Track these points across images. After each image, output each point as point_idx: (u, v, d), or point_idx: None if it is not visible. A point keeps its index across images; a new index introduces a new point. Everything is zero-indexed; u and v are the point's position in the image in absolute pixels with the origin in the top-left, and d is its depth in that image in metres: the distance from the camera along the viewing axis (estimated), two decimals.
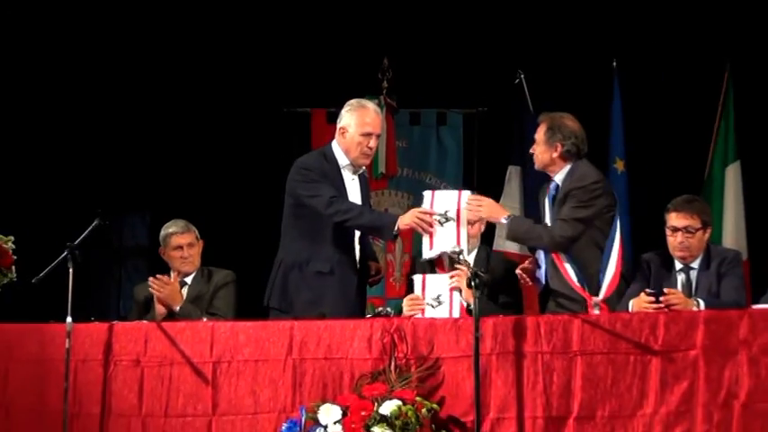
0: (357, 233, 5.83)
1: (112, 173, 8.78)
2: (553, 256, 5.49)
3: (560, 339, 4.81)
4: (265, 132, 8.76)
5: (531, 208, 7.45)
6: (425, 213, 5.49)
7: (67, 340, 5.23)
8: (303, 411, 4.90)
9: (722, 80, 8.26)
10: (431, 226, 5.48)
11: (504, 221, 5.55)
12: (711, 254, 5.59)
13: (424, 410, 4.75)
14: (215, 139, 8.79)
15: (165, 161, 8.82)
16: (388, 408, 4.72)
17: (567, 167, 5.61)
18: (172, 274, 6.35)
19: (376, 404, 4.75)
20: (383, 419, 4.70)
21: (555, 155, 5.62)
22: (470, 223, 5.55)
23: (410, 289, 5.73)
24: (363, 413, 4.74)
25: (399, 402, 4.73)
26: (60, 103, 8.62)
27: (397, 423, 4.68)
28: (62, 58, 8.54)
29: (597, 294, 5.32)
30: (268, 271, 5.87)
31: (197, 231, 6.45)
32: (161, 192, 8.79)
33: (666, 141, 8.25)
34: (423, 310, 5.36)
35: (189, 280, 6.39)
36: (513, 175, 8.51)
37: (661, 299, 5.11)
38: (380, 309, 5.61)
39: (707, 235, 5.58)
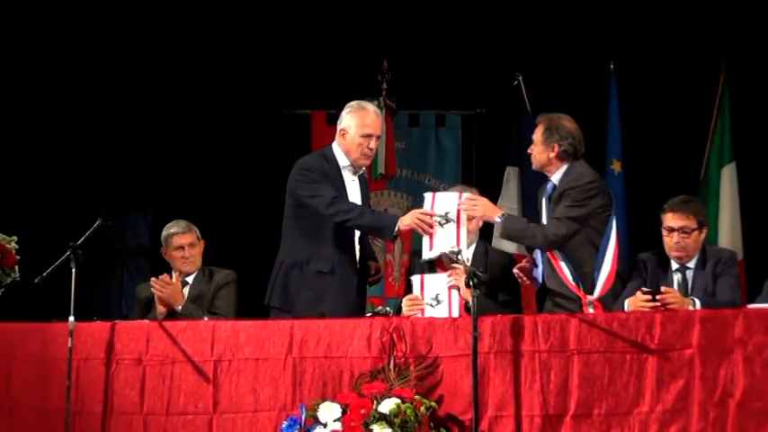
0: (357, 233, 5.83)
1: (115, 174, 8.79)
2: (549, 255, 5.50)
3: (557, 338, 4.81)
4: (266, 134, 8.76)
5: (529, 208, 7.45)
6: (426, 214, 5.50)
7: (70, 339, 5.23)
8: (303, 409, 4.90)
9: (718, 82, 8.26)
10: (431, 227, 5.50)
11: (498, 220, 5.55)
12: (707, 254, 5.59)
13: (422, 408, 4.75)
14: (216, 140, 8.80)
15: (166, 162, 8.83)
16: (387, 406, 4.72)
17: (564, 167, 5.62)
18: (173, 274, 6.35)
19: (375, 402, 4.75)
20: (382, 417, 4.71)
21: (552, 155, 5.64)
22: (468, 219, 5.57)
23: (409, 289, 5.75)
24: (363, 411, 4.74)
25: (398, 400, 4.73)
26: (64, 104, 8.63)
27: (396, 421, 4.69)
28: (66, 60, 8.54)
29: (592, 293, 5.32)
30: (268, 271, 5.88)
31: (198, 231, 6.45)
32: (163, 192, 8.80)
33: (663, 142, 8.25)
34: (422, 310, 5.37)
35: (190, 280, 6.39)
36: (511, 175, 8.50)
37: (657, 297, 5.11)
38: (380, 308, 5.61)
39: (703, 235, 5.58)
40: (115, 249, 9.16)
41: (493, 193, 7.81)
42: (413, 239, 5.83)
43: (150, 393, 5.31)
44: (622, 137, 8.33)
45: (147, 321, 5.78)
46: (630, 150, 8.32)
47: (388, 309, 5.52)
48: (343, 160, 5.83)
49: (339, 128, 5.86)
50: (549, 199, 5.67)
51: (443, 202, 5.53)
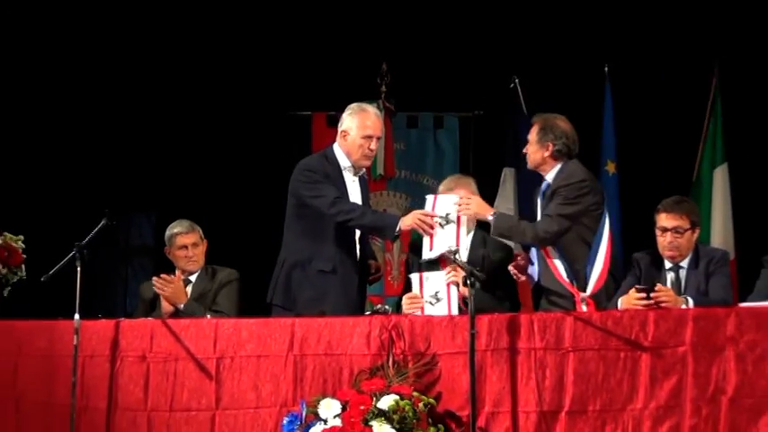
0: (357, 233, 5.83)
1: (119, 174, 8.78)
2: (543, 252, 5.51)
3: (553, 336, 4.81)
4: (267, 135, 8.76)
5: (526, 209, 7.45)
6: (427, 215, 5.52)
7: (75, 337, 5.24)
8: (304, 406, 4.90)
9: (710, 85, 8.27)
10: (432, 228, 5.51)
11: (490, 218, 5.56)
12: (700, 253, 5.59)
13: (421, 405, 4.75)
14: (219, 141, 8.80)
15: (170, 163, 8.83)
16: (386, 402, 4.72)
17: (558, 166, 5.63)
18: (177, 273, 6.35)
19: (374, 399, 4.75)
20: (381, 414, 4.71)
21: (546, 154, 5.64)
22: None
23: (407, 287, 5.75)
24: (362, 407, 4.74)
25: (397, 397, 4.73)
26: (70, 107, 8.63)
27: (395, 417, 4.68)
28: (72, 63, 8.54)
29: (585, 290, 5.33)
30: (270, 269, 5.88)
31: (201, 231, 6.44)
32: (166, 193, 8.80)
33: (656, 144, 8.25)
34: (422, 308, 5.37)
35: (193, 278, 6.38)
36: (507, 176, 8.50)
37: (651, 295, 5.11)
38: (379, 306, 5.60)
39: (695, 235, 5.58)
40: (119, 249, 9.16)
41: (490, 194, 7.82)
42: (411, 236, 5.80)
43: (154, 390, 5.31)
44: (617, 138, 8.35)
45: (150, 319, 5.77)
46: (625, 152, 8.33)
47: (387, 307, 5.51)
48: (344, 161, 5.83)
49: (340, 129, 5.86)
50: (543, 197, 5.67)
51: (444, 203, 5.55)
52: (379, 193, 8.91)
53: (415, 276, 5.49)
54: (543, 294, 5.61)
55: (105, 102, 8.73)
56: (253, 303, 6.18)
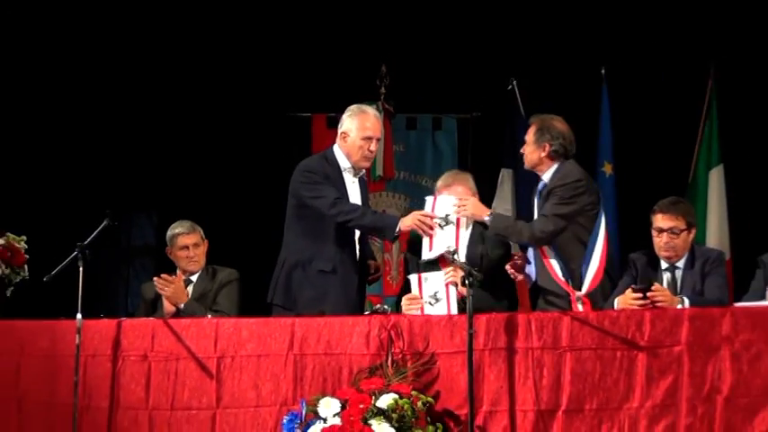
0: (357, 233, 5.83)
1: (121, 175, 8.79)
2: (540, 252, 5.51)
3: (550, 336, 4.82)
4: (268, 136, 8.76)
5: (524, 209, 7.46)
6: (427, 216, 5.52)
7: (78, 336, 5.24)
8: (303, 404, 4.90)
9: (706, 87, 8.27)
10: (431, 228, 5.51)
11: (486, 219, 5.56)
12: (696, 254, 5.59)
13: (419, 404, 4.76)
14: (220, 142, 8.80)
15: (171, 164, 8.83)
16: (385, 401, 4.72)
17: (555, 167, 5.63)
18: (177, 273, 6.35)
19: (373, 398, 4.76)
20: (380, 412, 4.71)
21: (543, 154, 5.65)
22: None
23: (405, 287, 5.76)
24: (361, 406, 4.74)
25: (396, 396, 4.73)
26: (71, 109, 8.63)
27: (394, 416, 4.69)
28: (72, 64, 8.54)
29: (580, 289, 5.33)
30: (270, 270, 5.87)
31: (202, 232, 6.44)
32: (167, 193, 8.80)
33: (653, 145, 8.26)
34: (421, 308, 5.37)
35: (194, 278, 6.38)
36: (505, 177, 8.51)
37: (648, 294, 5.11)
38: (378, 306, 5.61)
39: (691, 235, 5.58)
40: (121, 249, 9.16)
41: (488, 195, 7.82)
42: (409, 235, 5.80)
43: (155, 389, 5.31)
44: (613, 140, 8.35)
45: (152, 319, 5.77)
46: (621, 153, 8.34)
47: (386, 307, 5.52)
48: (344, 162, 5.83)
49: (340, 131, 5.86)
50: (540, 196, 5.68)
51: (444, 204, 5.56)
52: (378, 194, 8.90)
53: (413, 277, 5.49)
54: (540, 294, 5.61)
55: (107, 103, 8.73)
56: (253, 303, 6.17)
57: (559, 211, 5.47)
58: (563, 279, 5.40)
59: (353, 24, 8.55)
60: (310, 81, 8.70)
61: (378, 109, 7.96)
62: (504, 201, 8.37)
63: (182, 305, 6.10)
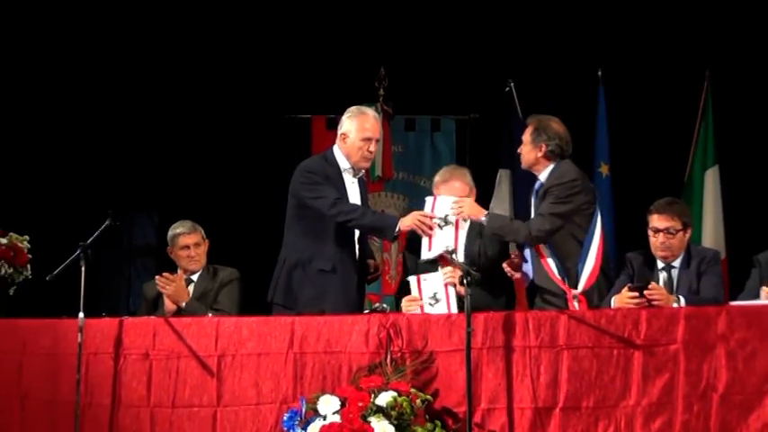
0: (356, 233, 5.83)
1: (122, 176, 8.79)
2: (537, 251, 5.51)
3: (547, 334, 4.81)
4: (268, 138, 8.76)
5: (521, 209, 7.46)
6: (426, 216, 5.52)
7: (80, 335, 5.23)
8: (303, 402, 4.90)
9: (701, 89, 8.29)
10: (431, 229, 5.51)
11: (483, 219, 5.56)
12: (691, 253, 5.59)
13: (418, 401, 4.75)
14: (220, 143, 8.80)
15: (172, 165, 8.83)
16: (384, 399, 4.72)
17: (551, 166, 5.63)
18: (179, 272, 6.35)
19: (373, 395, 4.75)
20: (379, 410, 4.71)
21: (539, 154, 5.65)
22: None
23: (403, 287, 5.77)
24: (360, 404, 4.73)
25: (395, 394, 4.73)
26: (73, 110, 8.63)
27: (393, 413, 4.68)
28: (74, 65, 8.55)
29: (576, 287, 5.33)
30: (270, 269, 5.87)
31: (203, 231, 6.44)
32: (169, 194, 8.80)
33: (649, 147, 8.26)
34: (421, 308, 5.38)
35: (195, 278, 6.38)
36: (503, 178, 8.51)
37: (645, 292, 5.12)
38: (377, 305, 5.61)
39: (687, 235, 5.58)
40: (123, 249, 9.16)
41: (486, 195, 7.82)
42: (407, 234, 5.81)
43: (157, 387, 5.30)
44: (610, 141, 8.35)
45: (153, 318, 5.76)
46: (618, 154, 8.34)
47: (385, 306, 5.51)
48: (343, 163, 5.83)
49: (340, 132, 5.86)
50: (536, 196, 5.68)
51: (443, 205, 5.56)
52: (377, 194, 8.90)
53: (413, 279, 5.50)
54: (537, 293, 5.61)
55: (109, 106, 8.74)
56: (253, 302, 6.17)
57: (556, 210, 5.47)
58: (559, 277, 5.41)
59: (353, 27, 8.55)
60: (310, 83, 8.71)
61: (377, 110, 7.94)
62: (502, 201, 8.38)
63: (183, 304, 6.10)
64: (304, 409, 4.88)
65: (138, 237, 9.26)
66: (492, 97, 8.60)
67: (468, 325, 4.66)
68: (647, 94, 8.29)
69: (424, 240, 5.55)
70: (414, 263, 5.80)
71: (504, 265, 5.67)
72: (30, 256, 6.39)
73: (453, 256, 5.27)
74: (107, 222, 5.51)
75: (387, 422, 4.68)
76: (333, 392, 4.88)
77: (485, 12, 8.46)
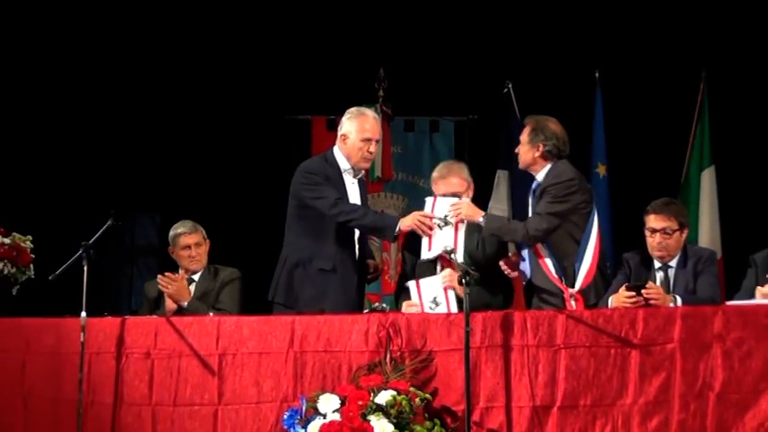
0: (357, 233, 5.83)
1: (124, 177, 8.79)
2: (534, 251, 5.51)
3: (545, 333, 4.81)
4: (268, 138, 8.77)
5: (519, 209, 7.46)
6: (426, 217, 5.52)
7: (82, 334, 5.23)
8: (304, 401, 4.89)
9: (698, 90, 8.29)
10: (430, 229, 5.51)
11: (480, 220, 5.56)
12: (688, 253, 5.59)
13: (417, 400, 4.75)
14: (221, 144, 8.81)
15: (173, 166, 8.84)
16: (383, 398, 4.71)
17: (548, 166, 5.64)
18: (180, 272, 6.35)
19: (372, 394, 4.75)
20: (379, 408, 4.70)
21: (537, 154, 5.65)
22: (458, 196, 5.63)
23: (401, 287, 5.78)
24: (360, 403, 4.73)
25: (394, 392, 4.72)
26: (76, 112, 8.64)
27: (392, 412, 4.68)
28: (77, 66, 8.55)
29: (573, 286, 5.33)
30: (271, 268, 5.87)
31: (204, 232, 6.44)
32: (170, 194, 8.80)
33: (646, 147, 8.27)
34: (422, 310, 5.38)
35: (196, 277, 6.39)
36: (501, 178, 8.51)
37: (642, 291, 5.11)
38: (377, 304, 5.61)
39: (684, 235, 5.58)
40: (125, 248, 9.17)
41: (484, 196, 7.83)
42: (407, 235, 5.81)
43: (158, 385, 5.30)
44: (607, 142, 8.36)
45: (155, 317, 5.76)
46: (615, 155, 8.35)
47: (384, 305, 5.52)
48: (344, 164, 5.83)
49: (340, 133, 5.86)
50: (534, 195, 5.68)
51: (443, 205, 5.56)
52: (376, 195, 8.90)
53: (412, 284, 5.51)
54: (535, 293, 5.61)
55: (111, 107, 8.75)
56: (254, 302, 6.17)
57: (553, 209, 5.47)
58: (557, 277, 5.41)
59: (352, 29, 8.55)
60: (310, 85, 8.72)
61: (376, 111, 7.95)
62: (500, 201, 8.38)
63: (185, 303, 6.10)
64: (304, 408, 4.87)
65: (139, 237, 9.27)
66: (490, 98, 8.60)
67: (467, 324, 4.65)
68: (643, 96, 8.29)
69: (424, 240, 5.56)
70: (412, 261, 5.81)
71: (501, 263, 5.67)
72: (33, 255, 6.38)
73: (452, 256, 5.27)
74: (109, 222, 5.50)
75: (386, 421, 4.67)
76: (333, 391, 4.87)
77: (483, 14, 8.46)
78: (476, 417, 4.78)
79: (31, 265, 6.39)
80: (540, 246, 5.51)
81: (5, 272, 6.26)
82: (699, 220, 8.10)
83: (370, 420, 4.69)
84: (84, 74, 8.57)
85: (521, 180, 7.27)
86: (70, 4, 8.36)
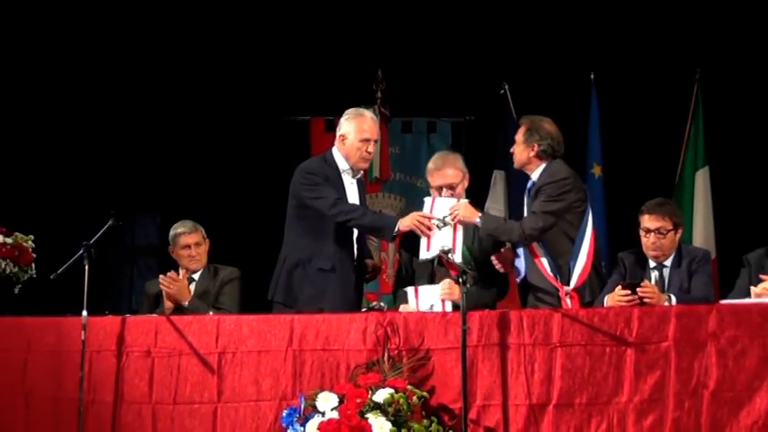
0: (355, 233, 5.82)
1: (125, 177, 8.79)
2: (530, 250, 5.50)
3: (542, 332, 4.80)
4: (268, 139, 8.76)
5: (515, 209, 7.46)
6: (425, 217, 5.51)
7: (83, 332, 5.22)
8: (302, 399, 4.89)
9: (692, 92, 8.30)
10: (429, 229, 5.50)
11: (477, 221, 5.55)
12: (682, 253, 5.58)
13: (415, 398, 4.75)
14: (220, 145, 8.80)
15: (174, 166, 8.83)
16: (381, 396, 4.71)
17: (543, 166, 5.63)
18: (180, 272, 6.34)
19: (370, 392, 4.74)
20: (377, 407, 4.70)
21: (532, 154, 5.65)
22: (454, 187, 5.63)
23: (399, 284, 5.77)
24: (358, 401, 4.73)
25: (392, 391, 4.72)
26: (77, 113, 8.64)
27: (390, 410, 4.68)
28: (77, 68, 8.55)
29: (568, 284, 5.33)
30: (270, 268, 5.86)
31: (204, 231, 6.44)
32: (170, 194, 8.80)
33: (640, 148, 8.26)
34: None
35: (196, 276, 6.38)
36: (498, 179, 8.52)
37: (638, 290, 5.11)
38: (374, 303, 5.59)
39: (678, 235, 5.58)
40: (125, 248, 9.16)
41: (481, 196, 7.83)
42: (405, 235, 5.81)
43: (158, 384, 5.29)
44: (602, 143, 8.36)
45: (155, 316, 5.76)
46: (610, 155, 8.34)
47: (382, 304, 5.50)
48: (342, 164, 5.82)
49: (338, 134, 5.85)
50: (529, 194, 5.68)
51: (442, 206, 5.54)
52: (374, 195, 8.89)
53: (410, 290, 5.50)
54: (530, 291, 5.60)
55: (112, 108, 8.74)
56: (254, 300, 6.16)
57: (548, 208, 5.47)
58: (551, 274, 5.41)
59: (351, 31, 8.55)
60: (309, 86, 8.71)
61: (374, 112, 7.95)
62: (497, 201, 8.38)
63: (185, 303, 6.09)
64: (303, 406, 4.87)
65: (140, 236, 9.26)
66: (487, 100, 8.60)
67: (464, 323, 4.64)
68: (638, 97, 8.29)
69: (423, 241, 5.54)
70: (408, 258, 5.80)
71: (493, 258, 5.64)
72: (34, 255, 6.37)
73: (450, 256, 5.26)
74: (110, 222, 5.49)
75: (384, 419, 4.67)
76: (331, 389, 4.87)
77: (480, 16, 8.46)
78: (473, 415, 4.78)
79: (33, 265, 6.37)
80: (535, 245, 5.50)
81: (7, 271, 6.25)
82: (693, 220, 8.10)
83: (368, 418, 4.68)
84: (84, 74, 8.56)
85: (517, 180, 7.26)
86: (70, 4, 8.34)
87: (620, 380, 4.71)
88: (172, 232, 6.43)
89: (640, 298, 5.10)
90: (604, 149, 8.34)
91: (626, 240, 5.96)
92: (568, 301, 5.33)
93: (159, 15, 8.50)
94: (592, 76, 8.38)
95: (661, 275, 5.54)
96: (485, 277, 5.62)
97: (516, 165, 5.77)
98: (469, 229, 5.66)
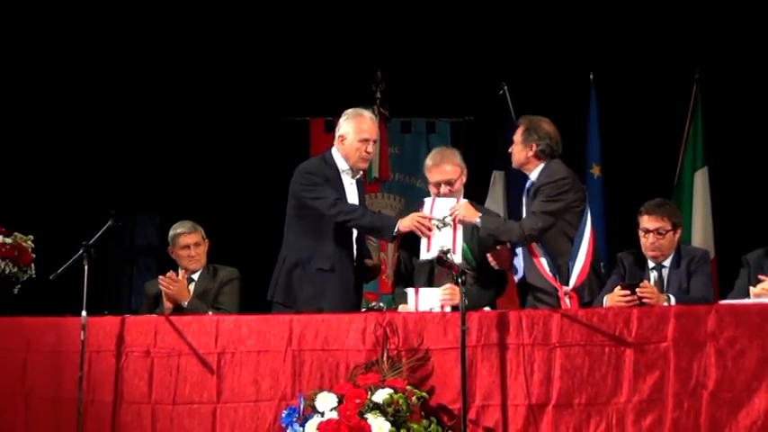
0: (355, 233, 5.82)
1: (125, 177, 8.78)
2: (529, 250, 5.50)
3: (541, 332, 4.80)
4: (267, 139, 8.76)
5: (514, 209, 7.45)
6: (424, 218, 5.50)
7: (83, 332, 5.21)
8: (302, 399, 4.88)
9: (691, 92, 8.30)
10: (429, 230, 5.49)
11: (477, 221, 5.55)
12: (681, 253, 5.58)
13: (414, 398, 4.74)
14: (220, 145, 8.80)
15: (173, 166, 8.83)
16: (380, 396, 4.71)
17: (541, 166, 5.63)
18: (180, 272, 6.33)
19: (369, 393, 4.74)
20: (376, 407, 4.69)
21: (530, 154, 5.64)
22: (452, 183, 5.63)
23: (398, 280, 5.77)
24: (358, 401, 4.72)
25: (391, 391, 4.71)
26: (78, 114, 8.64)
27: (389, 410, 4.67)
28: (78, 68, 8.55)
29: (567, 284, 5.32)
30: (270, 268, 5.86)
31: (203, 231, 6.43)
32: (170, 195, 8.80)
33: (639, 148, 8.27)
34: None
35: (196, 277, 6.37)
36: (497, 179, 8.53)
37: (636, 291, 5.11)
38: (374, 303, 5.59)
39: (677, 236, 5.57)
40: (125, 248, 9.16)
41: (480, 196, 7.83)
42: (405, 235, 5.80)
43: (158, 384, 5.28)
44: (601, 143, 8.36)
45: (154, 316, 5.75)
46: (609, 155, 8.35)
47: (381, 304, 5.50)
48: (342, 164, 5.81)
49: (338, 134, 5.84)
50: (527, 195, 5.67)
51: (442, 206, 5.54)
52: (373, 195, 8.89)
53: (410, 291, 5.49)
54: (530, 292, 5.60)
55: (112, 108, 8.75)
56: (253, 301, 6.16)
57: (547, 208, 5.46)
58: (550, 274, 5.40)
59: (350, 31, 8.55)
60: (308, 86, 8.71)
61: (374, 113, 7.94)
62: (496, 201, 8.39)
63: (185, 303, 6.08)
64: (302, 406, 4.86)
65: (139, 237, 9.26)
66: (486, 100, 8.61)
67: (463, 323, 4.64)
68: (637, 98, 8.29)
69: (423, 241, 5.54)
70: (408, 256, 5.79)
71: (489, 256, 5.63)
72: (34, 255, 6.36)
73: (449, 256, 5.26)
74: (110, 223, 5.48)
75: (383, 419, 4.66)
76: (330, 389, 4.86)
77: (479, 16, 8.46)
78: (472, 415, 4.78)
79: (33, 265, 6.37)
80: (534, 245, 5.50)
81: (7, 271, 6.24)
82: (692, 220, 8.10)
83: (367, 418, 4.68)
84: (84, 75, 8.56)
85: (516, 181, 7.26)
86: (70, 4, 8.34)
87: (619, 380, 4.70)
88: (171, 232, 6.42)
89: (639, 298, 5.09)
90: (603, 150, 8.34)
91: (625, 241, 5.96)
92: (567, 301, 5.33)
93: (159, 16, 8.51)
94: (591, 77, 8.39)
95: (660, 276, 5.53)
96: (483, 277, 5.62)
97: (514, 164, 5.76)
98: (468, 229, 5.65)
